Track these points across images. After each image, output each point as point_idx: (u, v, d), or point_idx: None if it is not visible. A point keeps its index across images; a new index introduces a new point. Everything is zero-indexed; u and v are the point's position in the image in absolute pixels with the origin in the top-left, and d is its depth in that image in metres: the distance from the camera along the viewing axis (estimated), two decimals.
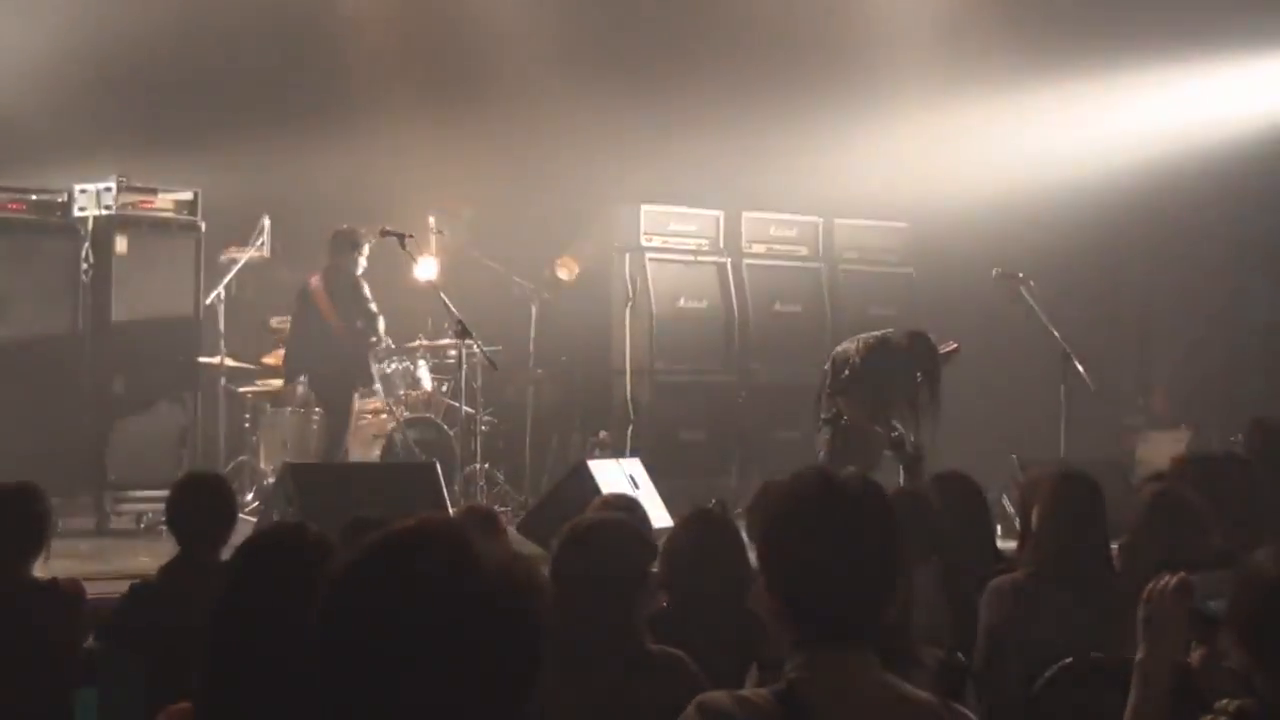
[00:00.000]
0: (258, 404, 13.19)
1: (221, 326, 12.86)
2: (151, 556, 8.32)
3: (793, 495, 3.04)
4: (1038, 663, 5.30)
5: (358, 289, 12.83)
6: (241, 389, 13.23)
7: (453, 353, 13.10)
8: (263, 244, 13.17)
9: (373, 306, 12.86)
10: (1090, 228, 15.88)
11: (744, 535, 5.95)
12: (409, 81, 14.94)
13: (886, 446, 11.83)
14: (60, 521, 6.35)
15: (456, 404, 13.22)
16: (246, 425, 13.21)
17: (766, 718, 2.87)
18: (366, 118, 14.81)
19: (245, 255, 13.15)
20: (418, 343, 13.62)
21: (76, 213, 12.41)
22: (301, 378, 12.85)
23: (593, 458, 12.49)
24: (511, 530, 9.46)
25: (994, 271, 13.24)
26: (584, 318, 14.91)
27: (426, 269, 13.14)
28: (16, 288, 12.02)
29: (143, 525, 11.83)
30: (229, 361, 12.92)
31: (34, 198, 12.34)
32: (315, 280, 12.87)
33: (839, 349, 12.19)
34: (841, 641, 2.93)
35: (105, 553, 10.47)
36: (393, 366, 13.50)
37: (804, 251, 15.47)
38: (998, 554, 6.85)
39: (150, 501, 11.59)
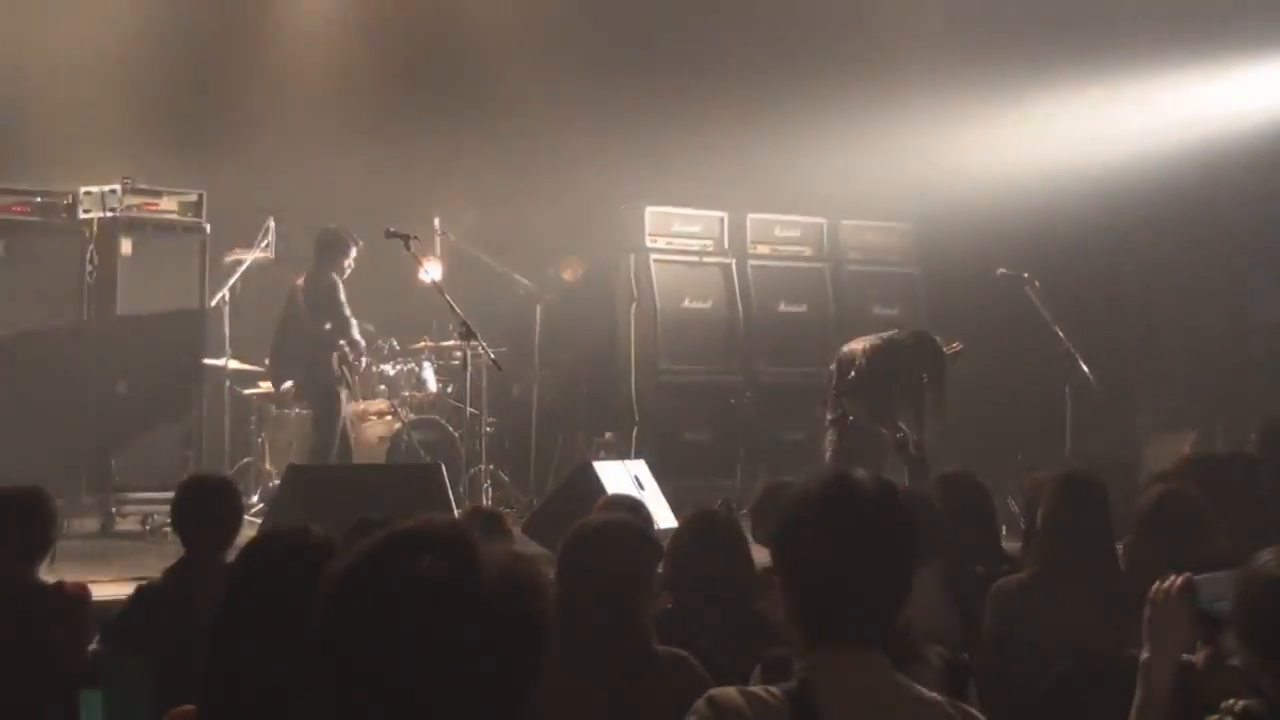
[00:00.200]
0: (263, 406, 13.18)
1: (227, 328, 12.85)
2: (157, 559, 8.32)
3: (808, 496, 3.05)
4: (1043, 663, 5.31)
5: (333, 291, 12.66)
6: (246, 391, 13.22)
7: (457, 354, 13.09)
8: (268, 245, 13.16)
9: (345, 310, 12.61)
10: (1095, 227, 15.86)
11: (748, 536, 5.96)
12: (414, 82, 14.94)
13: (892, 447, 11.84)
14: (65, 524, 6.34)
15: (461, 405, 13.21)
16: (251, 427, 13.21)
17: (776, 715, 2.88)
18: (371, 118, 14.81)
19: (250, 257, 13.14)
20: (422, 344, 13.62)
21: (81, 215, 12.41)
22: (288, 381, 12.83)
23: (597, 459, 12.49)
24: (516, 531, 9.46)
25: (998, 271, 13.24)
26: (589, 319, 14.91)
27: (431, 270, 13.14)
28: (21, 290, 12.03)
29: (148, 528, 11.83)
30: (234, 363, 12.92)
31: (39, 200, 12.35)
32: (300, 280, 12.85)
33: (845, 350, 12.20)
34: (854, 642, 2.93)
35: (110, 555, 10.46)
36: (397, 368, 13.51)
37: (808, 252, 15.48)
38: (1003, 554, 6.85)
39: (155, 504, 11.58)
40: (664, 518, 9.89)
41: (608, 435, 14.38)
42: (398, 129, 14.79)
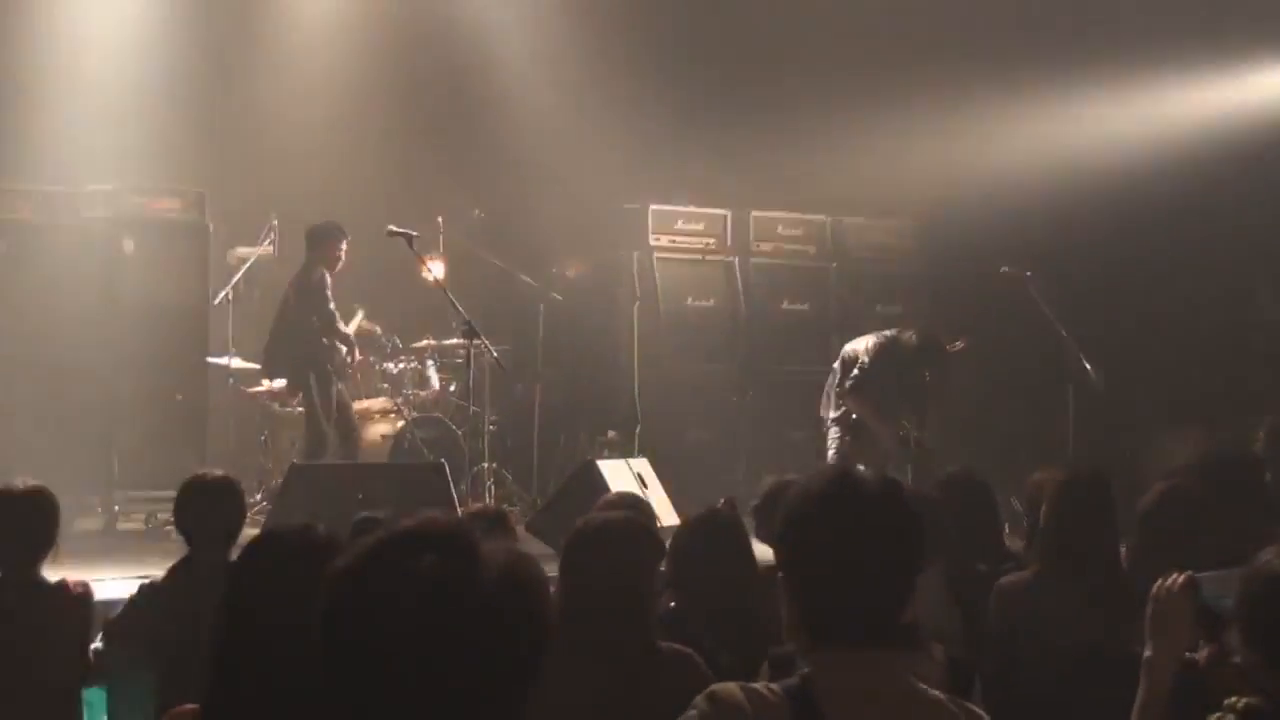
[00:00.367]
0: (266, 404, 13.18)
1: (230, 327, 12.86)
2: (159, 557, 8.32)
3: (811, 494, 3.03)
4: (1046, 661, 5.31)
5: (320, 286, 12.59)
6: (249, 389, 13.23)
7: (460, 353, 13.09)
8: (271, 243, 13.17)
9: (330, 305, 12.50)
10: (1097, 225, 15.85)
11: (751, 534, 5.95)
12: (417, 81, 14.95)
13: (895, 445, 11.84)
14: (69, 522, 6.34)
15: (464, 403, 13.22)
16: (255, 425, 13.21)
17: (776, 712, 2.87)
18: (375, 117, 14.81)
19: (253, 255, 13.14)
20: (425, 342, 13.62)
21: (85, 213, 12.42)
22: (281, 378, 12.82)
23: (601, 457, 12.50)
24: (520, 530, 9.46)
25: (1000, 270, 13.23)
26: (592, 317, 14.91)
27: (434, 269, 13.14)
28: (25, 288, 12.05)
29: (150, 526, 11.84)
30: (237, 361, 12.92)
31: (43, 199, 12.36)
32: (293, 277, 12.83)
33: (848, 347, 12.21)
34: (857, 640, 2.92)
35: (113, 554, 10.47)
36: (401, 366, 13.52)
37: (811, 250, 15.48)
38: (1006, 553, 6.85)
39: (158, 502, 11.58)
40: (667, 516, 9.90)
41: (611, 434, 14.37)
42: (401, 127, 14.80)
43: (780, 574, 3.04)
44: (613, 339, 14.64)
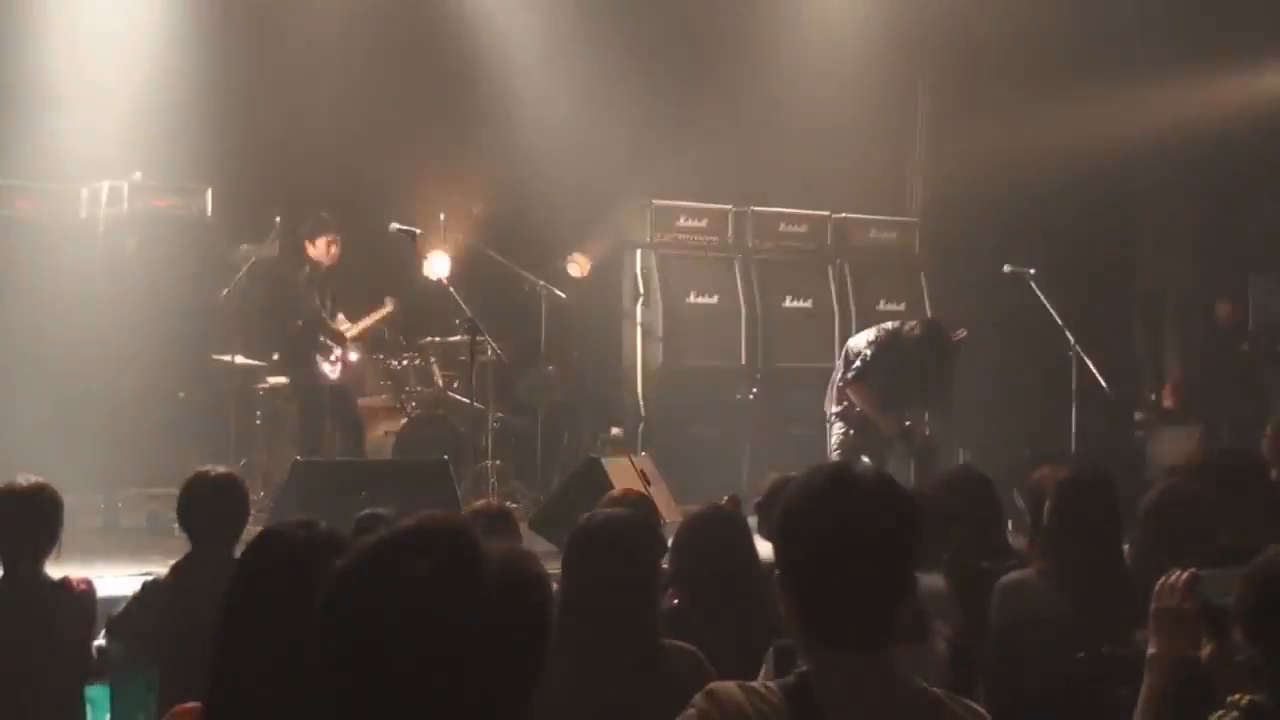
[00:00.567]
0: (269, 401, 13.18)
1: (233, 324, 12.86)
2: (163, 554, 8.32)
3: (807, 491, 3.02)
4: (1049, 659, 5.30)
5: (293, 277, 12.65)
6: (253, 385, 13.22)
7: (464, 349, 13.08)
8: (275, 239, 13.16)
9: (300, 297, 12.54)
10: (1101, 223, 15.86)
11: (754, 531, 5.95)
12: (420, 78, 14.94)
13: (898, 439, 11.84)
14: (71, 519, 6.34)
15: (467, 400, 13.22)
16: (258, 422, 13.21)
17: (774, 711, 2.87)
18: (378, 114, 14.80)
19: (257, 252, 13.13)
20: (429, 339, 13.62)
21: (89, 210, 12.43)
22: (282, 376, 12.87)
23: (604, 454, 12.50)
24: (523, 527, 9.46)
25: (1004, 268, 13.22)
26: (595, 313, 14.92)
27: (437, 266, 13.14)
28: (29, 285, 12.05)
29: (153, 523, 11.83)
30: (240, 359, 12.92)
31: (47, 195, 12.37)
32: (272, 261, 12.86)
33: (851, 341, 12.23)
34: (855, 639, 2.92)
35: (116, 550, 10.47)
36: (404, 363, 13.52)
37: (814, 247, 15.48)
38: (1008, 550, 6.85)
39: (161, 499, 11.58)
40: (670, 513, 9.90)
41: (614, 430, 14.38)
42: (405, 124, 14.79)
43: (777, 571, 3.03)
44: (616, 335, 14.65)
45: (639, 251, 14.47)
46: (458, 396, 13.64)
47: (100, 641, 6.13)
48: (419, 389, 13.50)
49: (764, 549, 5.92)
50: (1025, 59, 15.43)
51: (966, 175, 15.53)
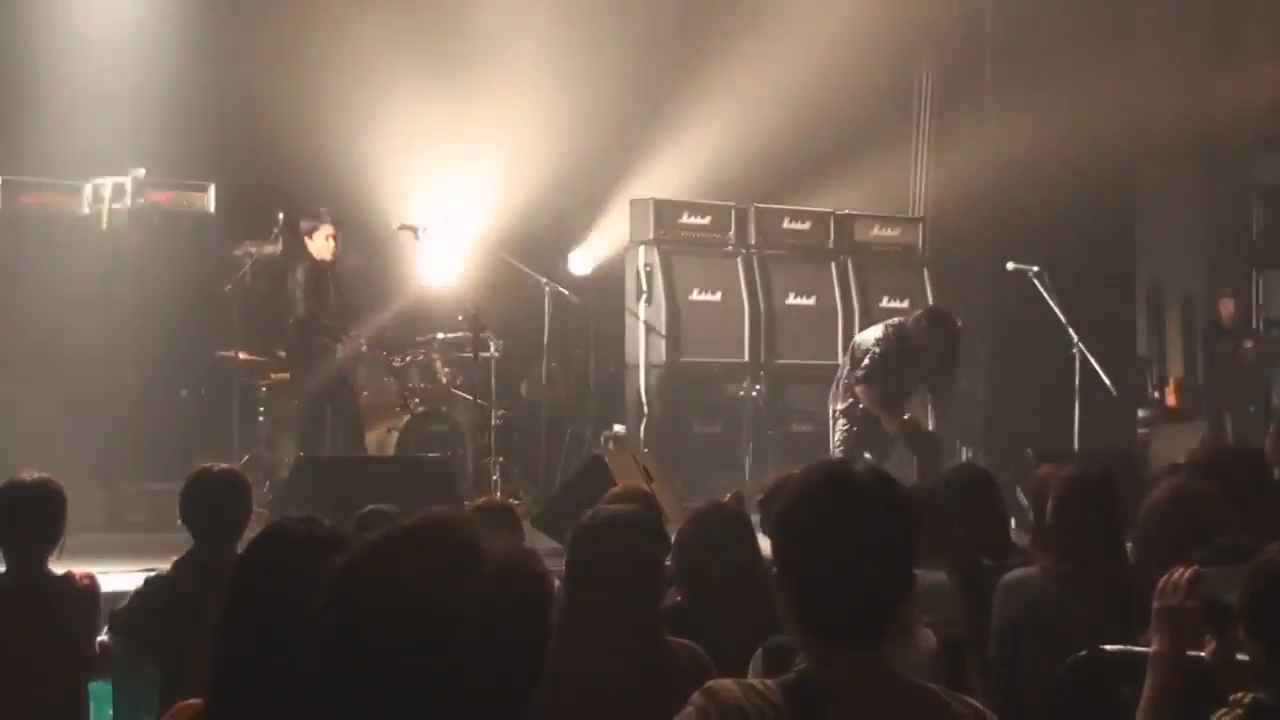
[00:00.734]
0: (272, 397, 13.19)
1: (236, 320, 12.86)
2: (166, 550, 8.31)
3: (804, 488, 3.02)
4: (1052, 656, 5.30)
5: (295, 274, 12.71)
6: (256, 382, 13.23)
7: (467, 346, 13.09)
8: (277, 236, 13.16)
9: (298, 293, 12.59)
10: (1105, 220, 15.85)
11: (757, 528, 5.95)
12: (423, 75, 14.92)
13: (902, 436, 11.84)
14: (75, 514, 6.34)
15: (470, 397, 13.22)
16: (261, 419, 13.22)
17: (772, 708, 2.87)
18: (381, 111, 14.79)
19: (260, 249, 13.14)
20: (431, 336, 13.62)
21: (92, 206, 12.43)
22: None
23: (607, 450, 12.49)
24: (526, 524, 9.46)
25: (1008, 265, 13.23)
26: (598, 310, 14.91)
27: (441, 262, 13.14)
28: (32, 280, 12.05)
29: (156, 519, 11.82)
30: (243, 355, 12.92)
31: (51, 191, 12.37)
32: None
33: (858, 338, 12.24)
34: (853, 636, 2.92)
35: (119, 546, 10.47)
36: (406, 359, 13.51)
37: (817, 243, 15.46)
38: (1011, 548, 6.85)
39: (164, 495, 11.57)
40: (672, 510, 9.89)
41: (617, 427, 14.38)
42: (407, 120, 14.78)
43: (775, 569, 3.03)
44: (619, 332, 14.64)
45: (642, 248, 14.45)
46: (460, 393, 13.64)
47: (103, 637, 6.13)
48: (422, 386, 13.50)
49: (766, 546, 5.92)
50: (1029, 56, 15.42)
51: (970, 172, 15.53)
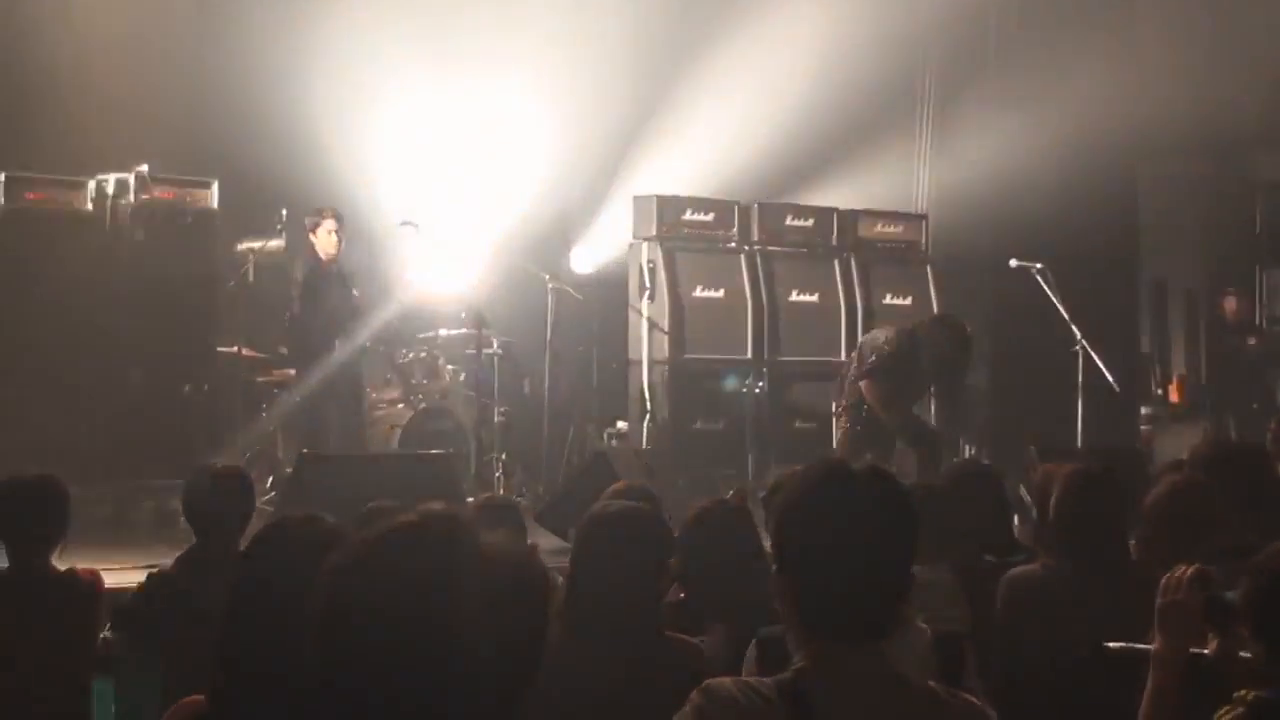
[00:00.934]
0: (275, 394, 13.19)
1: (239, 316, 12.87)
2: (168, 547, 8.33)
3: (804, 484, 3.02)
4: (1055, 653, 5.30)
5: (301, 270, 12.71)
6: (259, 379, 13.23)
7: (470, 343, 13.09)
8: (280, 233, 13.16)
9: (294, 290, 12.62)
10: (1109, 216, 15.85)
11: (761, 526, 5.95)
12: (425, 72, 14.93)
13: (904, 435, 11.84)
14: (77, 511, 6.34)
15: (473, 394, 13.22)
16: (264, 415, 13.22)
17: (769, 706, 2.87)
18: (385, 106, 14.79)
19: (263, 246, 13.14)
20: (434, 333, 13.62)
21: (95, 202, 12.44)
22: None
23: (610, 447, 12.49)
24: (530, 520, 9.46)
25: (1011, 262, 13.23)
26: (601, 307, 14.91)
27: (443, 259, 13.14)
28: (35, 277, 12.06)
29: (159, 516, 11.83)
30: (246, 351, 12.92)
31: (54, 187, 12.37)
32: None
33: (868, 336, 12.24)
34: (850, 633, 2.92)
35: (122, 543, 10.47)
36: (409, 356, 13.51)
37: (820, 240, 15.44)
38: (1015, 544, 6.85)
39: (167, 492, 11.58)
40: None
41: (620, 424, 14.38)
42: (411, 117, 14.78)
43: (774, 567, 3.04)
44: (621, 329, 14.63)
45: (645, 245, 14.43)
46: (463, 390, 13.64)
47: (106, 633, 6.14)
48: (424, 383, 13.49)
49: (769, 544, 5.92)
50: (1032, 53, 15.41)
51: (974, 169, 15.51)
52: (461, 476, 10.95)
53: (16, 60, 13.32)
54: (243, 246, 13.28)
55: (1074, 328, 12.76)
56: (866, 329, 13.96)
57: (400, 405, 13.25)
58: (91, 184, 12.49)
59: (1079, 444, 12.42)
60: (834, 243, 15.46)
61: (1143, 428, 15.61)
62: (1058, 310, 12.79)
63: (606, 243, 15.30)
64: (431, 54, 14.76)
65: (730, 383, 13.72)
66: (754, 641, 4.28)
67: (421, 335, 13.60)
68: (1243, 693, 3.45)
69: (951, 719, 2.96)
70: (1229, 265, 17.09)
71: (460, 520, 2.25)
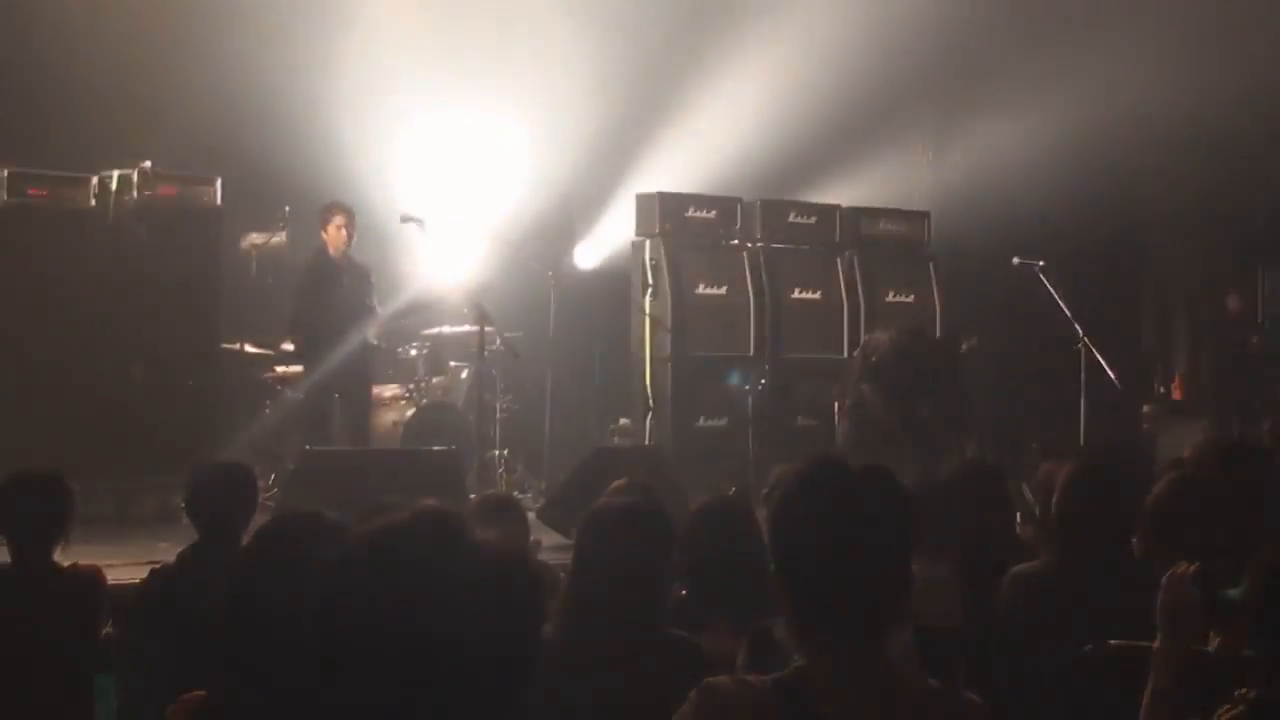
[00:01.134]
0: (278, 389, 13.19)
1: (242, 313, 12.87)
2: (171, 543, 8.34)
3: (800, 482, 3.02)
4: (1057, 651, 5.30)
5: (304, 264, 12.70)
6: (262, 375, 13.23)
7: (472, 339, 13.09)
8: (283, 229, 13.16)
9: (302, 285, 12.60)
10: (1111, 214, 15.84)
11: (762, 523, 5.95)
12: (427, 70, 14.93)
13: (906, 434, 11.84)
14: (80, 507, 6.35)
15: (476, 391, 13.22)
16: (267, 411, 13.22)
17: (767, 705, 2.87)
18: (389, 103, 14.80)
19: (266, 242, 13.15)
20: (436, 329, 13.62)
21: (99, 198, 12.44)
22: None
23: (612, 444, 12.49)
24: (531, 517, 9.47)
25: (1013, 260, 13.23)
26: (604, 304, 14.91)
27: (446, 255, 13.14)
28: (39, 273, 12.06)
29: (162, 512, 11.84)
30: (249, 347, 12.93)
31: (57, 183, 12.37)
32: None
33: (869, 337, 12.25)
34: (847, 629, 2.92)
35: (125, 539, 10.48)
36: (411, 352, 13.51)
37: (823, 237, 15.44)
38: (1017, 542, 6.84)
39: (170, 488, 11.59)
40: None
41: (622, 421, 14.38)
42: (415, 114, 14.79)
43: (771, 565, 3.04)
44: (624, 326, 14.64)
45: (648, 242, 14.44)
46: (467, 386, 13.64)
47: (108, 629, 6.14)
48: (427, 378, 13.50)
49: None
50: (1035, 50, 15.40)
51: (976, 166, 15.52)
52: (464, 473, 10.95)
53: (20, 56, 13.34)
54: (246, 243, 13.29)
55: (1076, 325, 12.76)
56: (869, 327, 13.98)
57: (403, 401, 13.25)
58: (94, 180, 12.49)
59: (1081, 441, 12.42)
60: (837, 240, 15.46)
61: (1145, 425, 15.60)
62: (1060, 308, 12.79)
63: (609, 240, 15.31)
64: (436, 51, 14.78)
65: (735, 378, 13.71)
66: (744, 638, 4.27)
67: (424, 331, 13.61)
68: (1244, 691, 3.45)
69: (951, 717, 2.96)
70: (1230, 262, 17.07)
71: (452, 517, 2.26)
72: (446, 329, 13.61)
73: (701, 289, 14.54)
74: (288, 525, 3.31)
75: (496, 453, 12.86)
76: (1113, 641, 4.27)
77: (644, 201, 14.62)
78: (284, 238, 13.16)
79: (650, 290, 14.27)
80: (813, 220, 15.39)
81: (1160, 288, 17.63)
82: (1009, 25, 15.42)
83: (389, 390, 13.37)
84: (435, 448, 11.95)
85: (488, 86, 14.99)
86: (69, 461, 7.71)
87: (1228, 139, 15.38)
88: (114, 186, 12.46)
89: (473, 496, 9.25)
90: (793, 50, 15.50)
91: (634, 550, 4.52)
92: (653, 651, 4.42)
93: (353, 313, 12.59)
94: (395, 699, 2.15)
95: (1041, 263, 12.96)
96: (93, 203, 12.45)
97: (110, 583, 6.33)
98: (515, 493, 11.62)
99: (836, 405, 12.35)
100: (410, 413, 13.04)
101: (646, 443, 13.67)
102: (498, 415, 12.96)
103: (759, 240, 15.01)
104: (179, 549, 6.42)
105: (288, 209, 13.11)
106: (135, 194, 12.44)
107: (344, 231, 12.53)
